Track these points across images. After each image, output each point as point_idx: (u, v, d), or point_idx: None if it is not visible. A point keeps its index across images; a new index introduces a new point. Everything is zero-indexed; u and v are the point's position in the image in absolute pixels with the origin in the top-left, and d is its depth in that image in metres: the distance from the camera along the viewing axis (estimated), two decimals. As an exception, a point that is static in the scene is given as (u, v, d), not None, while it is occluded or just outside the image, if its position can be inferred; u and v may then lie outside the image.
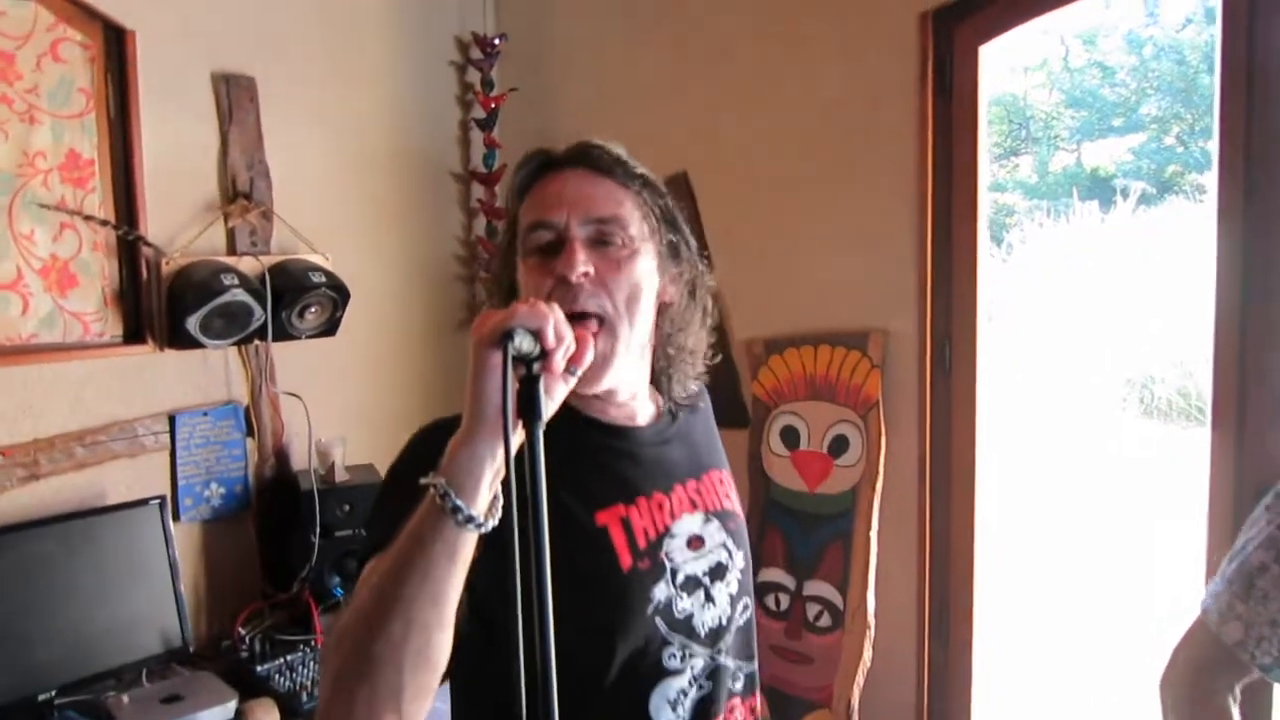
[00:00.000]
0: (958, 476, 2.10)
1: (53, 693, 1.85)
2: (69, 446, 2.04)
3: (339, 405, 2.49)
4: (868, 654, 2.09)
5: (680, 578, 1.14)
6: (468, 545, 0.87)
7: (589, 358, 0.90)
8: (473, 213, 2.83)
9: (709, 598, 1.16)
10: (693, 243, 1.22)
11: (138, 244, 2.11)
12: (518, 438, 0.83)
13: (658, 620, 1.08)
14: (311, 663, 2.06)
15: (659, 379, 1.22)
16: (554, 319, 0.86)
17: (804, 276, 2.30)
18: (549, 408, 0.85)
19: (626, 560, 1.08)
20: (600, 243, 1.09)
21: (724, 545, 1.20)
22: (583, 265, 1.06)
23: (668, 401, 1.23)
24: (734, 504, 1.26)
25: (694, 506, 1.19)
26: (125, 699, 1.91)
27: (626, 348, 1.08)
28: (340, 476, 2.31)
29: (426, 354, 2.73)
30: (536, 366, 0.84)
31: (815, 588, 2.18)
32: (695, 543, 1.17)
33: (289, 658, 2.07)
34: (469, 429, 0.87)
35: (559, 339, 0.86)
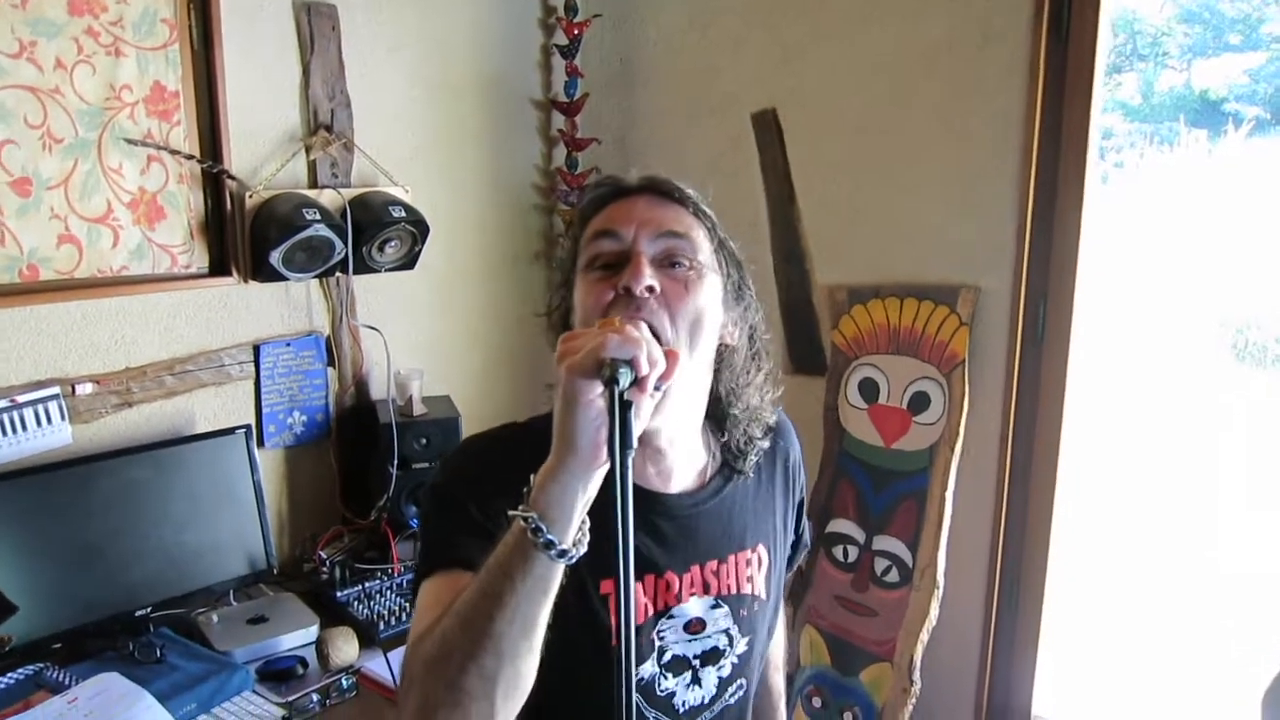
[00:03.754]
0: (1041, 445, 2.04)
1: (148, 609, 1.95)
2: (159, 375, 2.10)
3: (416, 337, 2.52)
4: (934, 613, 2.08)
5: (668, 657, 1.13)
6: (558, 576, 0.87)
7: (677, 374, 0.87)
8: (552, 142, 2.78)
9: (696, 679, 1.15)
10: (754, 289, 1.17)
11: (221, 177, 2.12)
12: (600, 464, 0.82)
13: (636, 695, 1.05)
14: (389, 591, 2.13)
15: (719, 436, 1.18)
16: (646, 344, 0.83)
17: (893, 224, 2.21)
18: (637, 428, 0.83)
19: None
20: (668, 264, 1.05)
21: (726, 631, 1.18)
22: (649, 278, 1.02)
23: (721, 464, 1.19)
24: (758, 584, 1.21)
25: (705, 590, 1.16)
26: (214, 617, 2.01)
27: (682, 381, 1.01)
28: (418, 409, 2.34)
29: (503, 285, 2.72)
30: (628, 394, 0.81)
31: (885, 543, 2.17)
32: (695, 625, 1.15)
33: (367, 585, 2.15)
34: (560, 460, 0.86)
35: (652, 364, 0.83)
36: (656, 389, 0.85)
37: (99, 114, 1.95)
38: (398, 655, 1.86)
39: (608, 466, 0.84)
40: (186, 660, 1.84)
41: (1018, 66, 1.98)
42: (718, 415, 1.16)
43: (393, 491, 2.26)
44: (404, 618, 2.03)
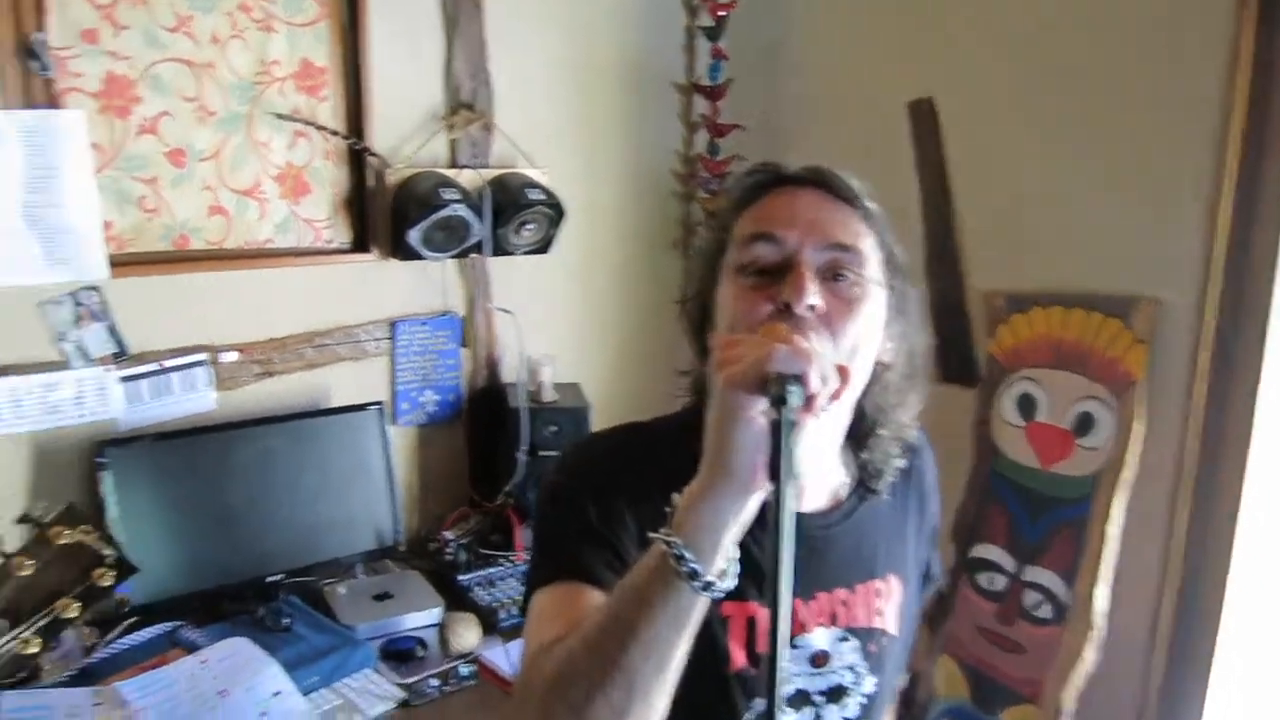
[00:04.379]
0: (1224, 479, 1.83)
1: (279, 576, 1.98)
2: (299, 348, 2.13)
3: (549, 322, 2.48)
4: (1089, 657, 1.91)
5: (790, 690, 1.03)
6: (700, 610, 0.79)
7: (846, 394, 0.78)
8: (694, 127, 2.69)
9: (818, 718, 1.06)
10: (916, 299, 1.06)
11: (364, 154, 2.13)
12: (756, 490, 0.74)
13: None
14: (511, 579, 2.11)
15: (857, 452, 1.08)
16: (820, 361, 0.74)
17: (1061, 226, 2.03)
18: (800, 453, 0.74)
19: (738, 660, 0.99)
20: (831, 276, 0.95)
21: (852, 668, 1.07)
22: (814, 296, 0.91)
23: (857, 482, 1.10)
24: (889, 618, 1.10)
25: (832, 621, 1.06)
26: (342, 590, 2.03)
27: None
28: (548, 396, 2.31)
29: (638, 273, 2.66)
30: (793, 412, 0.72)
31: (1037, 575, 2.00)
32: (819, 659, 1.05)
33: (490, 571, 2.13)
34: (712, 482, 0.78)
35: (824, 382, 0.74)
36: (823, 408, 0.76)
37: (250, 88, 1.98)
38: (517, 647, 1.83)
39: (764, 494, 0.76)
40: (312, 631, 1.86)
41: (1217, 46, 1.76)
42: (859, 433, 1.07)
43: (520, 477, 2.24)
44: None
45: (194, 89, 1.91)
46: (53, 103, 1.75)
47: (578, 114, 2.48)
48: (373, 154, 2.13)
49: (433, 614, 1.97)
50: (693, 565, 0.77)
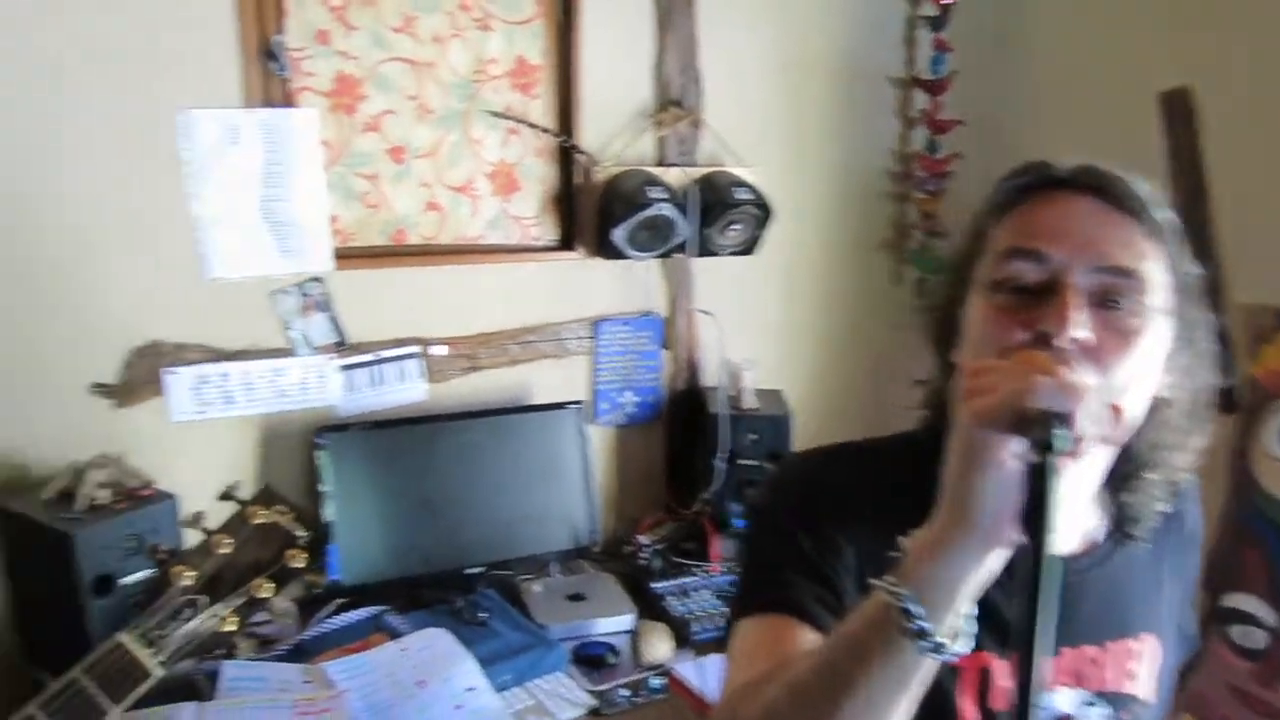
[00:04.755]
0: None
1: (479, 569, 2.00)
2: (504, 344, 2.15)
3: (751, 326, 2.39)
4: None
5: None
6: (927, 671, 0.68)
7: (1118, 437, 0.65)
8: (911, 123, 2.53)
9: None
10: (1208, 326, 0.88)
11: (573, 152, 2.13)
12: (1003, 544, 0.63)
13: None
14: (706, 590, 2.04)
15: (1116, 492, 0.93)
16: (1090, 398, 0.63)
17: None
18: (1061, 503, 0.62)
19: (968, 716, 0.87)
20: (1104, 302, 0.80)
21: None
22: (1081, 328, 0.77)
23: (1113, 525, 0.95)
24: (1144, 683, 0.95)
25: (1078, 681, 0.91)
26: (537, 588, 2.02)
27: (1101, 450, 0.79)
28: (749, 402, 2.22)
29: (847, 278, 2.53)
30: (1057, 457, 0.61)
31: (1309, 629, 1.73)
32: None
33: (684, 581, 2.06)
34: (950, 532, 0.67)
35: (1093, 424, 0.63)
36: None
37: (467, 86, 2.01)
38: (710, 662, 1.75)
39: (1011, 548, 0.65)
40: (508, 628, 1.85)
41: None
42: (1123, 473, 0.91)
43: (718, 485, 2.16)
44: (721, 622, 1.92)
45: (415, 87, 1.96)
46: (288, 101, 1.84)
47: (787, 111, 2.39)
48: (581, 152, 2.13)
49: (625, 620, 1.92)
50: (921, 624, 0.66)
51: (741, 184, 2.20)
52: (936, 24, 2.43)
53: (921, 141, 2.51)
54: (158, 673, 0.77)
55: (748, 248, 2.25)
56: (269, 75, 1.82)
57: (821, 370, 2.52)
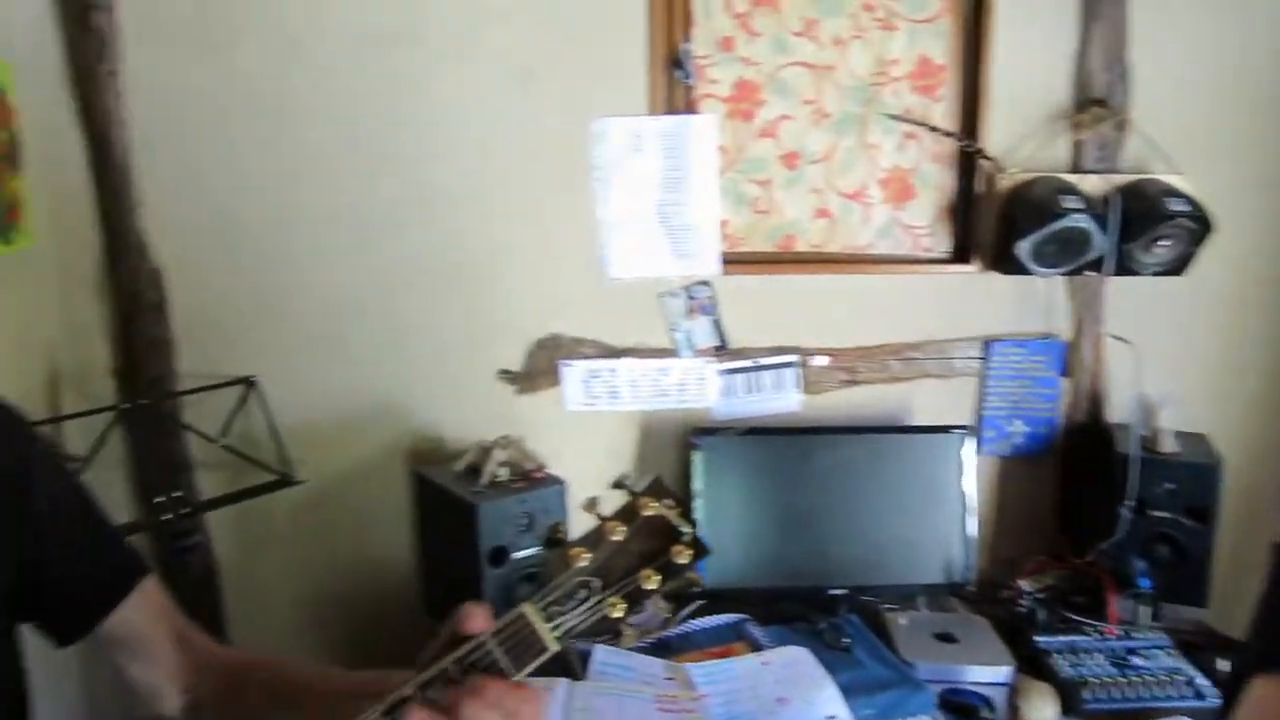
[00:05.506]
0: None
1: (842, 591, 1.92)
2: (885, 359, 2.05)
3: (1174, 358, 2.07)
4: None
5: None
6: None
7: None
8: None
9: None
10: None
11: (976, 157, 1.97)
12: None
13: None
14: (1100, 653, 1.79)
15: None
16: None
17: None
18: None
19: None
20: None
21: None
22: None
23: None
24: None
25: None
26: (903, 620, 1.89)
27: None
28: (1166, 445, 1.92)
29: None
30: None
31: None
32: None
33: (1074, 639, 1.83)
34: None
35: None
36: None
37: (865, 89, 1.94)
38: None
39: None
40: (872, 659, 1.75)
41: None
42: None
43: (1120, 536, 1.90)
44: (1117, 693, 1.67)
45: (813, 91, 1.93)
46: (689, 108, 1.89)
47: (1234, 113, 2.03)
48: (985, 157, 1.97)
49: (1000, 672, 1.73)
50: None
51: (1175, 193, 1.91)
52: None
53: None
54: (554, 648, 0.79)
55: (1177, 267, 1.95)
56: (673, 83, 1.87)
57: (1262, 416, 2.12)
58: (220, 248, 1.88)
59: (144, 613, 0.93)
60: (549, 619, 0.79)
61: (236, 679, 0.96)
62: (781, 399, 2.01)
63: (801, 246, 1.99)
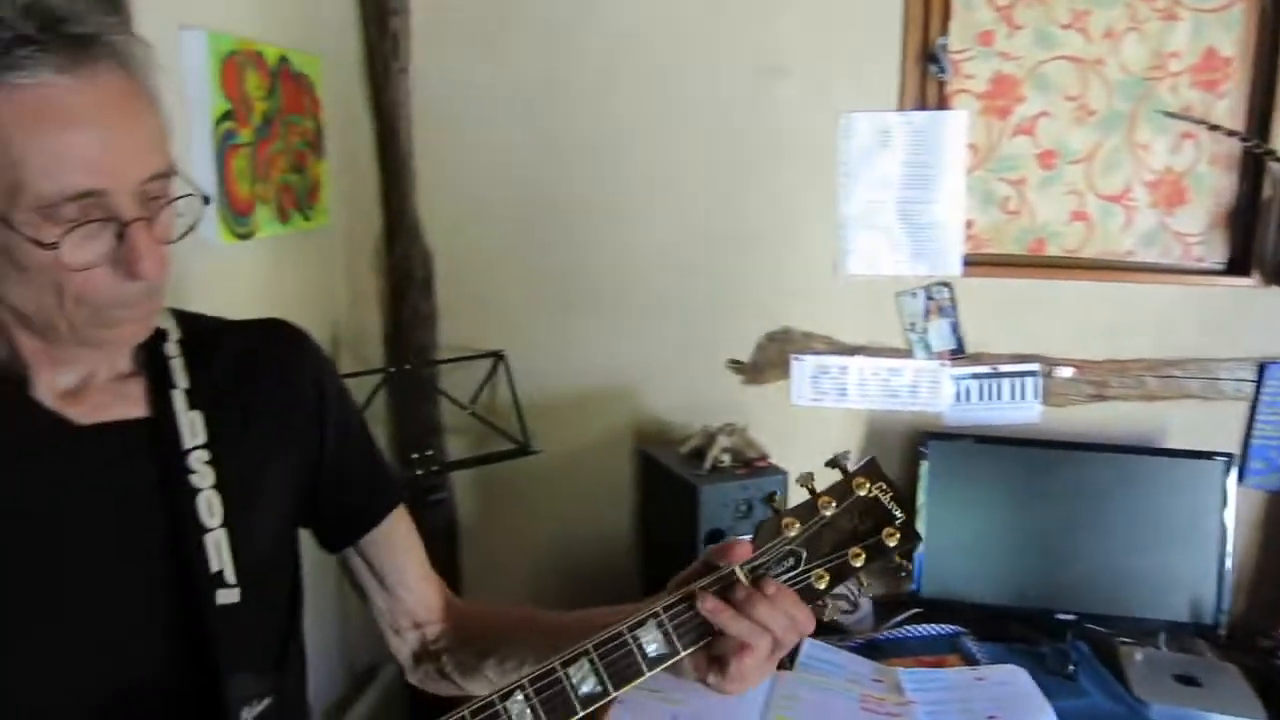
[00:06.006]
0: None
1: (1072, 617, 1.82)
2: (1140, 374, 1.91)
3: None
4: None
5: None
6: None
7: None
8: None
9: None
10: None
11: (1264, 159, 1.79)
12: None
13: None
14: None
15: None
16: None
17: None
18: None
19: None
20: None
21: None
22: None
23: None
24: None
25: None
26: (1138, 656, 1.76)
27: None
28: None
29: None
30: None
31: None
32: None
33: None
34: None
35: None
36: None
37: (1138, 85, 1.82)
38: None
39: None
40: (1098, 690, 1.65)
41: None
42: None
43: None
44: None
45: (1077, 87, 1.82)
46: (941, 104, 1.84)
47: None
48: (1276, 158, 1.78)
49: (1250, 725, 1.58)
50: None
51: None
52: None
53: None
54: None
55: None
56: (926, 78, 1.83)
57: None
58: (482, 232, 2.05)
59: (396, 537, 1.00)
60: (755, 582, 0.81)
61: (483, 622, 1.01)
62: (1020, 409, 1.92)
63: (1053, 250, 1.89)
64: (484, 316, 2.06)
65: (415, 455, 1.90)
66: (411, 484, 2.00)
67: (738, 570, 0.81)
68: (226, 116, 1.53)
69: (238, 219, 1.58)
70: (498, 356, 1.95)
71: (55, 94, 0.67)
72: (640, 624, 0.80)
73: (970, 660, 1.71)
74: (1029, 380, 1.91)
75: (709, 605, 0.79)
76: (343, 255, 2.04)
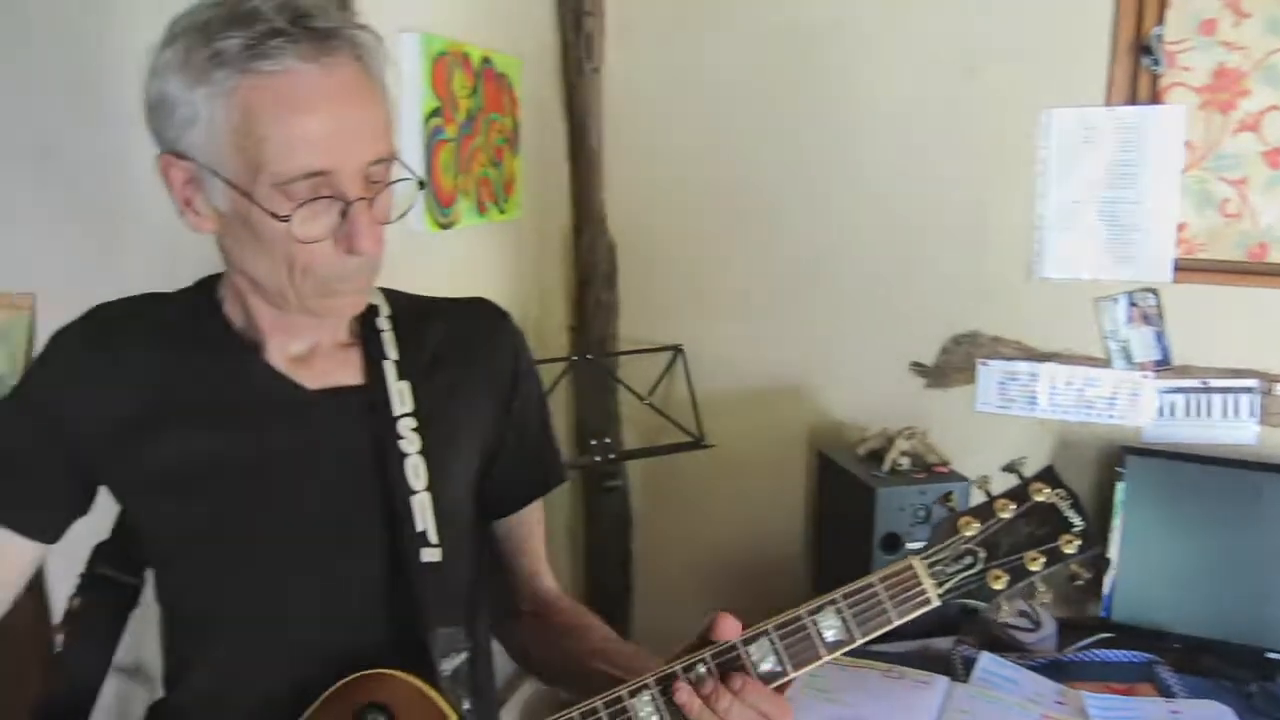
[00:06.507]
0: None
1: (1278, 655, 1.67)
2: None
3: None
4: None
5: None
6: None
7: None
8: None
9: None
10: None
11: None
12: None
13: None
14: None
15: None
16: None
17: None
18: None
19: None
20: None
21: None
22: None
23: None
24: None
25: None
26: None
27: None
28: None
29: None
30: None
31: None
32: None
33: None
34: None
35: None
36: None
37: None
38: None
39: None
40: (1313, 738, 1.51)
41: None
42: None
43: None
44: None
45: (1320, 81, 1.67)
46: (1155, 99, 1.73)
47: None
48: None
49: None
50: None
51: None
52: None
53: None
54: (936, 603, 0.81)
55: None
56: (1138, 70, 1.73)
57: None
58: (666, 228, 2.09)
59: (534, 516, 1.02)
60: (934, 575, 0.80)
61: (557, 616, 1.00)
62: (1233, 428, 1.78)
63: (1276, 257, 1.74)
64: (664, 310, 2.10)
65: (594, 442, 1.95)
66: (589, 470, 2.07)
67: (707, 659, 0.78)
68: (435, 113, 1.63)
69: (441, 210, 1.68)
70: (676, 350, 1.98)
71: (299, 80, 0.73)
72: (635, 692, 0.79)
73: (1166, 692, 1.61)
74: (1244, 397, 1.77)
75: (680, 698, 0.77)
76: (532, 247, 2.13)
